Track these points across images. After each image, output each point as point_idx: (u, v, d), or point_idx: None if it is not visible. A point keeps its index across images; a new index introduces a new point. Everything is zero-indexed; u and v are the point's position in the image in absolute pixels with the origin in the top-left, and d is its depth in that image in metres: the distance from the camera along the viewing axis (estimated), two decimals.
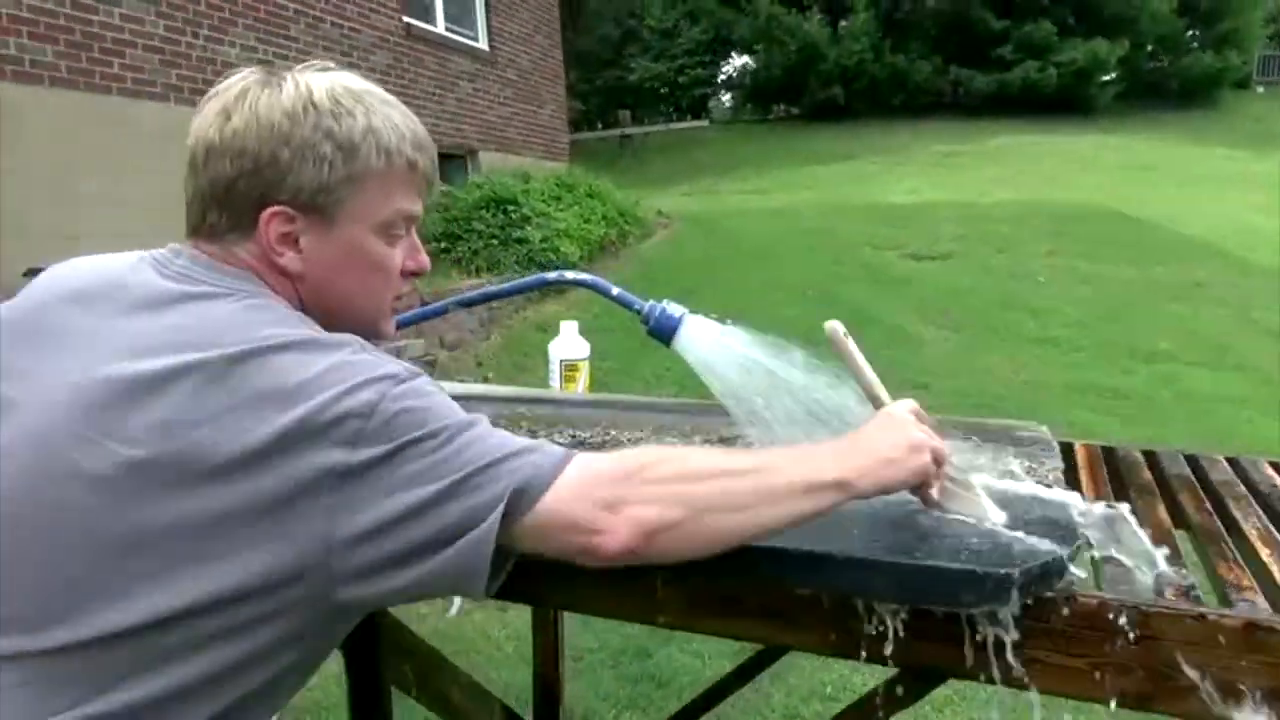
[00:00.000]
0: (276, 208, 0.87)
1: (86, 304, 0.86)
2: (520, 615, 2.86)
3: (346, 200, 0.88)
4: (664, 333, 1.12)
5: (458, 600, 3.06)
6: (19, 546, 0.79)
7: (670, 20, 22.70)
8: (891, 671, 1.03)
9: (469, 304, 1.39)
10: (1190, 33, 20.05)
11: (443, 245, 6.73)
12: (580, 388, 1.52)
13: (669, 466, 0.83)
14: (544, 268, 6.85)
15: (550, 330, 6.02)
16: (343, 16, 7.22)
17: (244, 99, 0.87)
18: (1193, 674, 0.85)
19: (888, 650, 0.94)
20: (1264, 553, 1.01)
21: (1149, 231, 9.79)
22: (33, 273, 1.22)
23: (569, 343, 1.51)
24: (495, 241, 6.88)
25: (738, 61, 24.46)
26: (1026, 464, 1.05)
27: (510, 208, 7.10)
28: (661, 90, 22.84)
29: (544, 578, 1.07)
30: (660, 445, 0.87)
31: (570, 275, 1.29)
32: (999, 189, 12.58)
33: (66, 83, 4.84)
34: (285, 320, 0.85)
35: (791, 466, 0.86)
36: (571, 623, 3.06)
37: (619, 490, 0.80)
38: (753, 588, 0.98)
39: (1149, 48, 20.14)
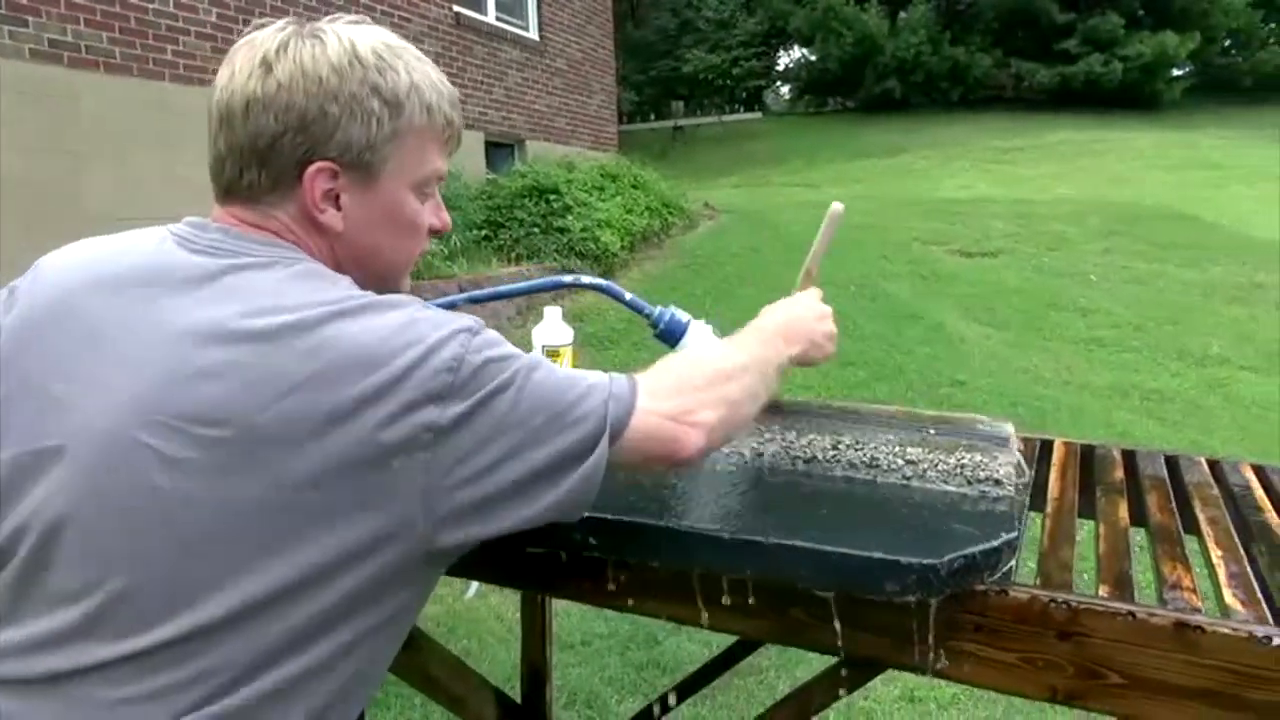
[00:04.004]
0: (322, 164, 0.85)
1: (119, 290, 0.83)
2: None
3: (390, 158, 0.87)
4: (673, 336, 1.23)
5: (474, 584, 3.11)
6: (102, 550, 0.76)
7: (727, 10, 22.57)
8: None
9: (478, 301, 1.43)
10: (1266, 26, 19.38)
11: (484, 232, 6.79)
12: None
13: (704, 373, 0.95)
14: (583, 257, 6.89)
15: (586, 319, 6.06)
16: (392, 5, 7.32)
17: (285, 52, 0.84)
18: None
19: (824, 638, 0.95)
20: (1215, 553, 0.99)
21: (1210, 232, 9.50)
22: None
23: (552, 328, 1.52)
24: (536, 230, 6.92)
25: (795, 54, 24.28)
26: (978, 458, 1.04)
27: (552, 197, 7.13)
28: (716, 82, 22.73)
29: (517, 562, 1.10)
30: (708, 332, 1.05)
31: (586, 279, 1.36)
32: (1056, 186, 12.31)
33: (121, 69, 4.98)
34: (339, 284, 0.84)
35: (769, 350, 1.03)
36: (585, 610, 3.09)
37: (682, 401, 0.90)
38: (701, 575, 0.99)
39: (1221, 42, 19.53)
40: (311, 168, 0.85)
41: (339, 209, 0.88)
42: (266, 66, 0.84)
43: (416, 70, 0.89)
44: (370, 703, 0.97)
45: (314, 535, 0.75)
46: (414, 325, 0.79)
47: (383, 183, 0.88)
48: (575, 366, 1.65)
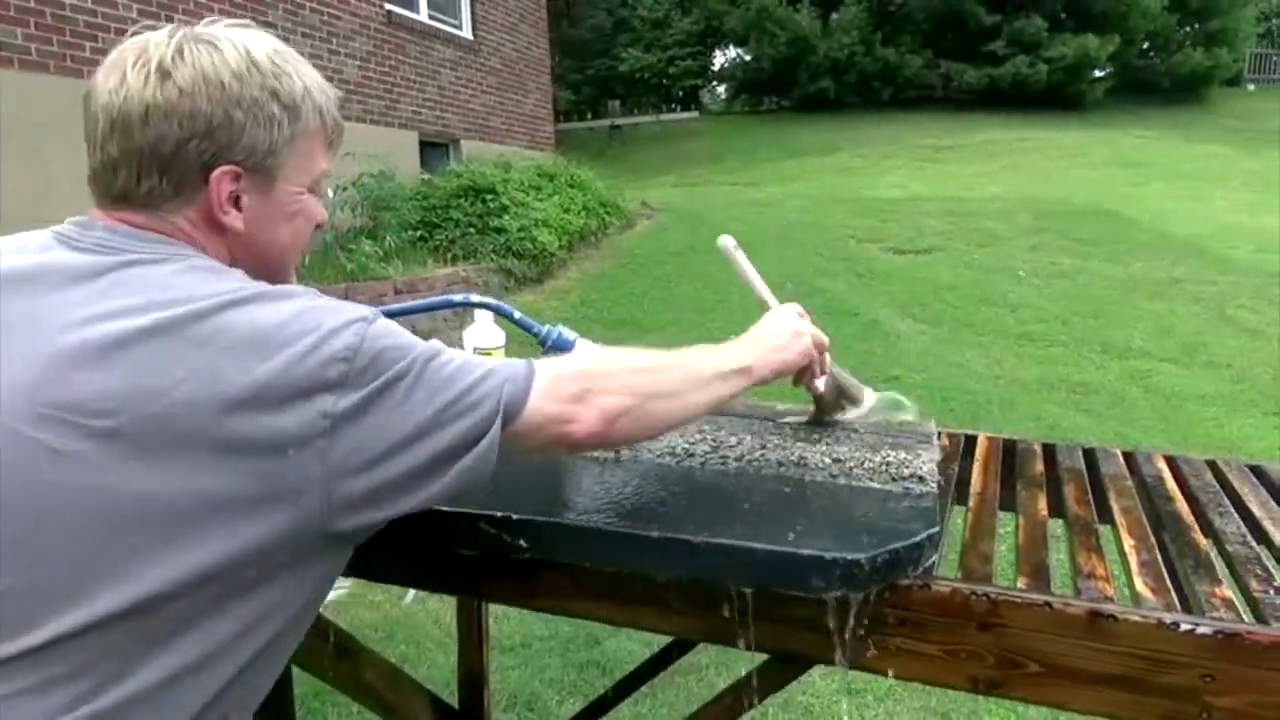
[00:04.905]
0: (227, 167, 0.86)
1: (10, 289, 0.82)
2: None
3: (288, 160, 0.90)
4: (560, 354, 1.23)
5: (412, 591, 3.08)
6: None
7: (661, 10, 22.61)
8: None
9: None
10: (1181, 29, 20.05)
11: (420, 233, 6.72)
12: None
13: (614, 364, 0.96)
14: (521, 257, 6.86)
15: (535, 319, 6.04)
16: (322, 3, 7.19)
17: (182, 58, 0.84)
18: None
19: (752, 636, 0.96)
20: (1128, 543, 1.03)
21: (1132, 228, 9.81)
22: None
23: (483, 331, 1.51)
24: (473, 230, 6.87)
25: (730, 53, 24.42)
26: (902, 455, 1.06)
27: (488, 196, 7.08)
28: (652, 81, 22.75)
29: (448, 567, 1.09)
30: (596, 348, 1.03)
31: (475, 298, 1.38)
32: (985, 184, 12.59)
33: (37, 65, 4.82)
34: (230, 276, 0.84)
35: (707, 358, 1.01)
36: (524, 612, 3.08)
37: (582, 384, 0.91)
38: (631, 575, 0.99)
39: (1140, 44, 20.15)
40: (217, 171, 0.86)
41: (240, 210, 0.89)
42: (164, 73, 0.84)
43: (307, 74, 0.92)
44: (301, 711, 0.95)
45: (210, 526, 0.75)
46: (309, 313, 0.81)
47: (280, 184, 0.91)
48: None
